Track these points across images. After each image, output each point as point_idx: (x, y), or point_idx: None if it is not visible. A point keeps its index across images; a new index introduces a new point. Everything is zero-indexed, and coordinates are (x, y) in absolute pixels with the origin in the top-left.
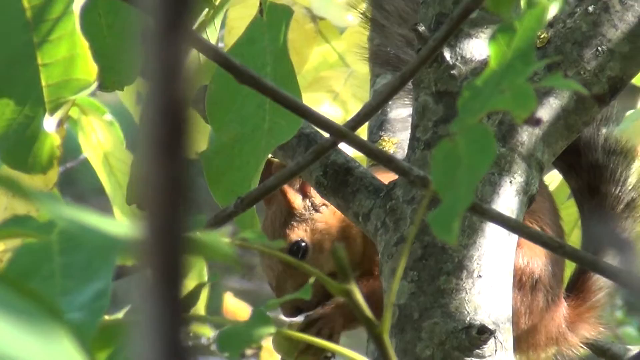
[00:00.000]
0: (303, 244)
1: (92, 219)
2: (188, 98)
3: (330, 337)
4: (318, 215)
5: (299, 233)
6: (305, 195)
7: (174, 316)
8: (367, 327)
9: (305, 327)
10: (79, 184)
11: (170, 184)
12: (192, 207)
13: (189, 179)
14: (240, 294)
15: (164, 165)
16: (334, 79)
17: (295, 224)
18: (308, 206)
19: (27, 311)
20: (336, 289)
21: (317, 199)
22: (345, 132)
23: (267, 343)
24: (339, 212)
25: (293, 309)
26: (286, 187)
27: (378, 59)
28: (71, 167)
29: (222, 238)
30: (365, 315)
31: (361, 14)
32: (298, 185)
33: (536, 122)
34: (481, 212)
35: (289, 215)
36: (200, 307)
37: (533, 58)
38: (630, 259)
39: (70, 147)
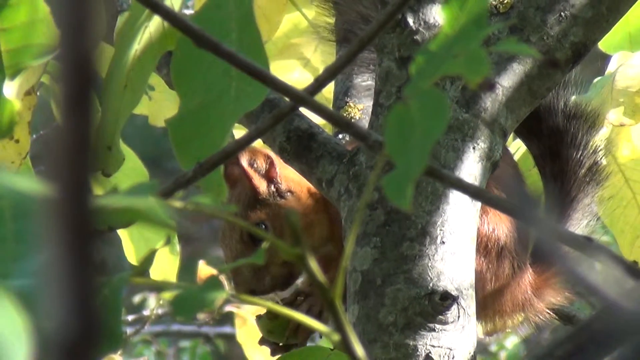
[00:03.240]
0: (263, 226)
1: (37, 186)
2: (94, 55)
3: (320, 316)
4: (282, 201)
5: (260, 215)
6: (270, 181)
7: (83, 277)
8: (320, 292)
9: (291, 303)
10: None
11: (76, 143)
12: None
13: (99, 138)
14: (217, 262)
15: (70, 122)
16: (304, 46)
17: (258, 207)
18: (273, 192)
19: None
20: (290, 254)
21: (283, 185)
22: (305, 97)
23: (243, 325)
24: (304, 199)
25: (247, 292)
26: (252, 172)
27: (337, 37)
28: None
29: (158, 204)
30: (318, 281)
31: None
32: (264, 171)
33: (490, 86)
34: (439, 177)
35: (253, 199)
36: (171, 275)
37: (486, 23)
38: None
39: (45, 115)
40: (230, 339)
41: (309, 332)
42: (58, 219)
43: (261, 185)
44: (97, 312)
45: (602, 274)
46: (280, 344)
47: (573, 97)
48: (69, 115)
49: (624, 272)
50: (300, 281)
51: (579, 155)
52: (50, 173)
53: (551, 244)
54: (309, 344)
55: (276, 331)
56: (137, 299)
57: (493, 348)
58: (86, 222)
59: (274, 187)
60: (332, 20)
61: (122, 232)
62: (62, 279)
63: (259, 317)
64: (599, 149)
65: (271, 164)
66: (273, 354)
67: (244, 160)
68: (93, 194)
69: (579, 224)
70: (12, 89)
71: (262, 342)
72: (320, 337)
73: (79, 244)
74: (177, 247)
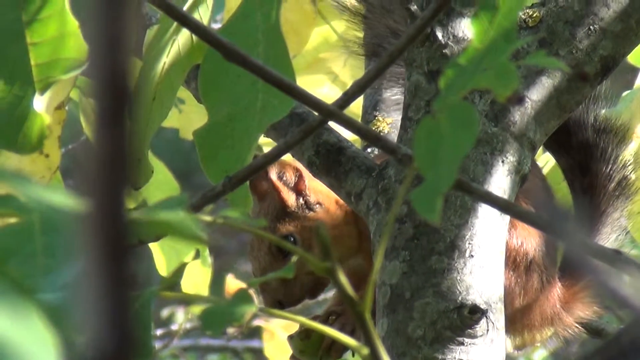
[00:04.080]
0: (292, 238)
1: (67, 200)
2: (130, 70)
3: (353, 334)
4: (311, 214)
5: (289, 228)
6: (299, 193)
7: (119, 293)
8: (349, 305)
9: (323, 322)
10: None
11: (111, 157)
12: (143, 178)
13: (131, 152)
14: (245, 276)
15: (106, 138)
16: (333, 60)
17: (287, 219)
18: (302, 204)
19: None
20: (319, 268)
21: (312, 197)
22: (334, 111)
23: (271, 339)
24: (333, 211)
25: (275, 303)
26: (280, 185)
27: (366, 51)
28: (75, 150)
29: (189, 217)
30: (347, 294)
31: (344, 7)
32: (293, 184)
33: (519, 100)
34: (469, 190)
35: (282, 211)
36: (203, 288)
37: (515, 37)
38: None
39: (74, 129)
40: (258, 353)
41: (342, 351)
42: (93, 233)
43: (290, 198)
44: (132, 326)
45: (632, 287)
46: None
47: (602, 111)
48: (104, 130)
49: None
50: (331, 295)
51: (608, 170)
52: (83, 187)
53: (581, 257)
54: None
55: (308, 351)
56: (165, 312)
57: None
58: (122, 236)
59: (303, 199)
60: (361, 35)
61: (153, 245)
62: (97, 293)
63: (290, 337)
64: (629, 163)
65: (300, 176)
66: None
67: (273, 173)
68: (127, 208)
69: (608, 238)
70: (42, 103)
71: (293, 359)
72: (353, 354)
73: (115, 258)
74: (209, 260)
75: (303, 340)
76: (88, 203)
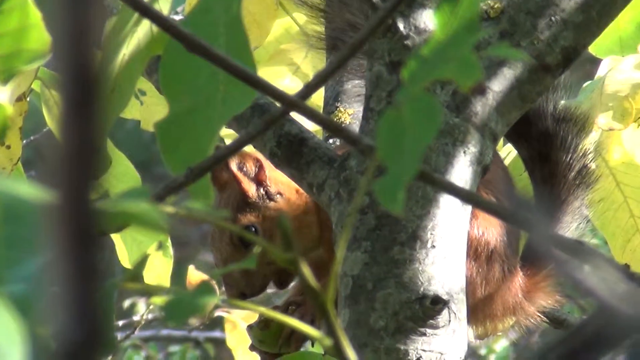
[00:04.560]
0: (253, 229)
1: (31, 190)
2: (97, 62)
3: (312, 324)
4: (272, 204)
5: (250, 218)
6: (259, 184)
7: (85, 284)
8: (312, 296)
9: (285, 310)
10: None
11: (77, 148)
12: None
13: (100, 143)
14: (206, 267)
15: (74, 130)
16: (294, 52)
17: (248, 210)
18: (262, 195)
19: None
20: (281, 259)
21: (273, 187)
22: (296, 102)
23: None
24: (294, 202)
25: (237, 295)
26: (241, 175)
27: (326, 45)
28: (37, 141)
29: (153, 208)
30: (310, 285)
31: (303, 1)
32: (253, 174)
33: (482, 91)
34: (431, 181)
35: (243, 202)
36: (164, 280)
37: (478, 27)
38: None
39: (36, 121)
40: (220, 343)
41: (302, 341)
42: (59, 224)
43: (250, 188)
44: (99, 318)
45: (597, 277)
46: (272, 353)
47: (562, 102)
48: (70, 121)
49: (617, 275)
50: (291, 286)
51: (568, 159)
52: (49, 178)
53: (545, 247)
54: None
55: (268, 340)
56: (126, 304)
57: (483, 352)
58: (88, 227)
59: (263, 190)
60: (320, 28)
61: (115, 237)
62: (63, 284)
63: (250, 327)
64: (589, 152)
65: (260, 167)
66: None
67: (233, 164)
68: (94, 198)
69: (569, 227)
70: (4, 94)
71: (252, 348)
72: (312, 344)
73: (81, 249)
74: (171, 251)
75: (262, 330)
76: (53, 194)
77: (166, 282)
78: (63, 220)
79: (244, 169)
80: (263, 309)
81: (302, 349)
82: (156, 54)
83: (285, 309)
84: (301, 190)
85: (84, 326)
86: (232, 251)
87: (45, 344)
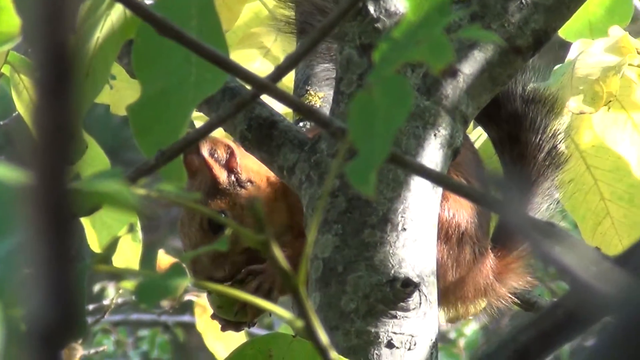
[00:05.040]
0: (223, 214)
1: (6, 173)
2: (74, 44)
3: (270, 292)
4: (242, 191)
5: (220, 205)
6: (230, 170)
7: (60, 265)
8: (283, 279)
9: (244, 279)
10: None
11: (55, 128)
12: (79, 151)
13: (75, 125)
14: (176, 252)
15: (49, 109)
16: (264, 35)
17: (218, 196)
18: (233, 182)
19: None
20: (253, 241)
21: (243, 175)
22: (267, 84)
23: (203, 313)
24: (264, 189)
25: (206, 280)
26: (212, 161)
27: (295, 29)
28: (7, 126)
29: (125, 188)
30: (282, 267)
31: None
32: (224, 161)
33: (453, 73)
34: (403, 163)
35: (213, 188)
36: (133, 264)
37: (449, 10)
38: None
39: (6, 105)
40: (190, 327)
41: (259, 311)
42: (35, 207)
43: (221, 175)
44: (74, 300)
45: (571, 256)
46: (230, 320)
47: (533, 85)
48: (46, 103)
49: (591, 255)
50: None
51: (538, 139)
52: (22, 162)
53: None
54: (269, 331)
55: (225, 307)
56: (96, 288)
57: (452, 335)
58: (64, 210)
59: (234, 177)
60: (289, 13)
61: (84, 221)
62: (39, 266)
63: (209, 293)
64: (558, 132)
65: (231, 154)
66: (223, 329)
67: (205, 150)
68: (69, 180)
69: (539, 208)
70: None
71: (213, 317)
72: (270, 315)
73: (57, 231)
74: (140, 235)
75: (220, 296)
76: (29, 175)
77: (135, 266)
78: (39, 202)
79: (215, 155)
80: (222, 287)
81: (269, 328)
82: (129, 38)
83: (244, 277)
84: (271, 178)
85: (58, 308)
86: (201, 236)
87: (16, 325)
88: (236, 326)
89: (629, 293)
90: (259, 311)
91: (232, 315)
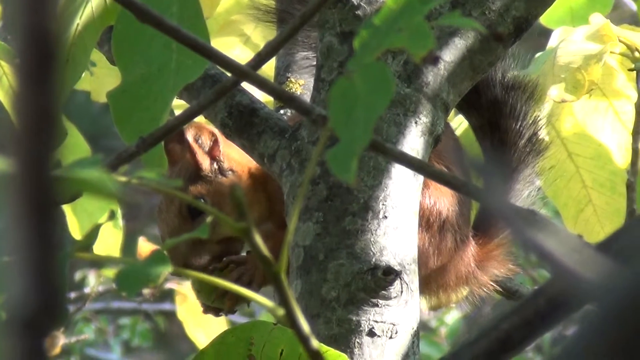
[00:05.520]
0: (203, 200)
1: None
2: (56, 30)
3: (250, 284)
4: (223, 179)
5: (201, 191)
6: (213, 158)
7: (45, 251)
8: (264, 266)
9: (224, 268)
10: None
11: (37, 114)
12: (60, 138)
13: (57, 109)
14: (157, 239)
15: (31, 95)
16: (245, 22)
17: (199, 182)
18: (215, 169)
19: None
20: (234, 228)
21: (226, 163)
22: (247, 72)
23: (183, 302)
24: (244, 179)
25: (183, 266)
26: (196, 147)
27: (274, 17)
28: None
29: (106, 175)
30: (263, 255)
31: None
32: (208, 148)
33: (434, 60)
34: (383, 151)
35: (195, 174)
36: (114, 251)
37: None
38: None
39: None
40: (171, 316)
41: (237, 300)
42: (18, 192)
43: (204, 161)
44: (56, 286)
45: (554, 243)
46: (210, 305)
47: (513, 72)
48: (30, 89)
49: (573, 242)
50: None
51: (518, 126)
52: (4, 148)
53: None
54: (250, 319)
55: (204, 291)
56: (77, 276)
57: (433, 324)
58: (47, 197)
59: (217, 164)
60: (269, 1)
61: (65, 207)
62: (22, 252)
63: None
64: (539, 119)
65: (215, 141)
66: (204, 312)
67: (190, 135)
68: (51, 167)
69: (520, 195)
70: None
71: (197, 297)
72: (248, 305)
73: (40, 218)
74: (121, 222)
75: (200, 281)
76: (11, 163)
77: (116, 254)
78: (21, 189)
79: (200, 141)
80: (202, 275)
81: (250, 316)
82: (109, 25)
83: (224, 266)
84: (253, 169)
85: (40, 296)
86: (179, 222)
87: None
88: (215, 311)
89: (610, 280)
90: (237, 300)
91: (210, 301)
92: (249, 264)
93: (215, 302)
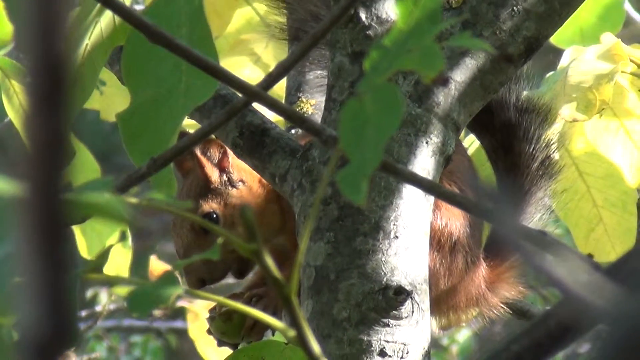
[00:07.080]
0: (214, 215)
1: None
2: (68, 54)
3: (275, 315)
4: (234, 191)
5: (212, 205)
6: (222, 170)
7: (56, 274)
8: (275, 288)
9: (247, 303)
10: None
11: (48, 140)
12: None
13: (68, 135)
14: (168, 257)
15: (43, 121)
16: (255, 42)
17: (209, 196)
18: (225, 181)
19: None
20: (245, 250)
21: (235, 174)
22: (258, 92)
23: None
24: (256, 189)
25: (197, 281)
26: (205, 160)
27: (288, 35)
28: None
29: (116, 199)
30: (274, 276)
31: None
32: (217, 160)
33: (444, 81)
34: (394, 171)
35: (205, 187)
36: (124, 270)
37: (440, 18)
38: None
39: None
40: (182, 334)
41: (263, 331)
42: (29, 215)
43: (213, 173)
44: (68, 309)
45: (562, 267)
46: (237, 344)
47: (525, 92)
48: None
49: (582, 265)
50: (250, 276)
51: (531, 149)
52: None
53: (511, 238)
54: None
55: (230, 332)
56: (88, 294)
57: (445, 342)
58: (58, 219)
59: (226, 176)
60: (282, 19)
61: (75, 227)
62: (33, 275)
63: (211, 318)
64: (552, 142)
65: (224, 153)
66: (219, 345)
67: (198, 149)
68: (64, 189)
69: (533, 218)
70: None
71: (220, 344)
72: (273, 334)
73: (51, 240)
74: (130, 242)
75: (225, 322)
76: (22, 185)
77: (125, 273)
78: (33, 211)
79: (208, 154)
80: (228, 301)
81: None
82: (118, 45)
83: (247, 300)
84: (264, 180)
85: (52, 318)
86: (193, 237)
87: (7, 334)
88: (233, 346)
89: (620, 306)
90: (263, 332)
91: (238, 339)
92: (270, 296)
93: (245, 337)
